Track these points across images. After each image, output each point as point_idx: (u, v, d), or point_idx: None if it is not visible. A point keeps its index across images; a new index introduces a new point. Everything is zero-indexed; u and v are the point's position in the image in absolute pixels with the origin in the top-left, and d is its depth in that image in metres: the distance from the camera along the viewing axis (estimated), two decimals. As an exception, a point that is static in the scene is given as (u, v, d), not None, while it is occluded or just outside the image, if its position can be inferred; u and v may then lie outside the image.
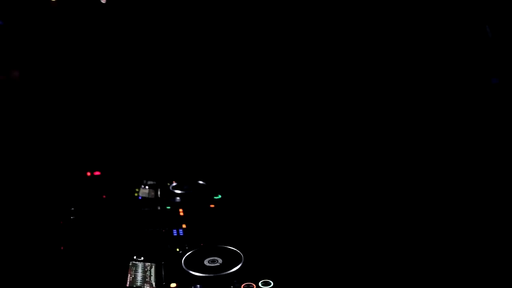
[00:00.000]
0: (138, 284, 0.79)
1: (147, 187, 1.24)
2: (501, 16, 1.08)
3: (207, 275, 0.80)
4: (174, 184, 1.25)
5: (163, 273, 0.82)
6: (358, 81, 1.37)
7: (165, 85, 1.58)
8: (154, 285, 0.79)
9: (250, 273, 0.81)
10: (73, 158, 1.43)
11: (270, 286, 0.78)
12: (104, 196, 1.17)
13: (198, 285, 0.79)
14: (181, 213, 1.09)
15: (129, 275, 0.81)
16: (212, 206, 1.14)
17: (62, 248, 0.92)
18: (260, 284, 0.78)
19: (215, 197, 1.19)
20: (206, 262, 0.84)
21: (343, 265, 0.87)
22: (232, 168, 1.42)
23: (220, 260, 0.85)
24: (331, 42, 1.41)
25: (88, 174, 1.32)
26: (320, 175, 1.31)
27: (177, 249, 0.90)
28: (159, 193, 1.21)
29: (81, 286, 0.81)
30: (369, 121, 1.34)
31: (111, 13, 1.51)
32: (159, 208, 1.12)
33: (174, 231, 0.99)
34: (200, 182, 1.26)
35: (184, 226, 1.01)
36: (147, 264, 0.85)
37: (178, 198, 1.18)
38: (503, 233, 0.93)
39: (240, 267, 0.82)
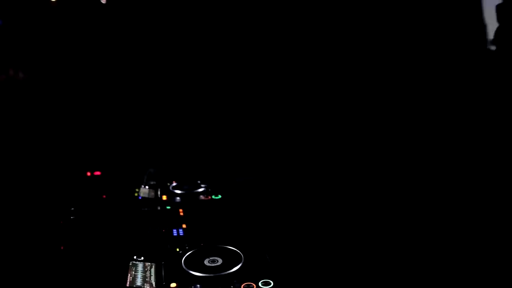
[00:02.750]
0: (138, 284, 0.79)
1: (147, 187, 1.24)
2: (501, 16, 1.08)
3: (207, 275, 0.80)
4: (174, 184, 1.25)
5: (163, 273, 0.82)
6: (356, 80, 1.37)
7: (165, 85, 1.58)
8: (154, 285, 0.79)
9: (250, 273, 0.81)
10: (73, 158, 1.43)
11: (270, 286, 0.78)
12: (104, 196, 1.17)
13: (198, 285, 0.79)
14: (181, 213, 1.09)
15: (129, 275, 0.81)
16: (211, 206, 1.14)
17: (62, 248, 0.92)
18: (260, 284, 0.78)
19: (215, 197, 1.19)
20: (206, 262, 0.84)
21: (343, 265, 0.87)
22: (232, 167, 1.42)
23: (220, 260, 0.84)
24: (330, 42, 1.41)
25: (88, 174, 1.32)
26: (320, 175, 1.31)
27: (177, 249, 0.90)
28: (159, 193, 1.21)
29: (81, 286, 0.81)
30: (366, 121, 1.34)
31: (111, 13, 1.51)
32: (159, 208, 1.12)
33: (174, 231, 0.98)
34: (200, 182, 1.26)
35: (184, 226, 1.01)
36: (147, 264, 0.85)
37: (178, 198, 1.18)
38: (503, 233, 0.93)
39: (240, 267, 0.82)
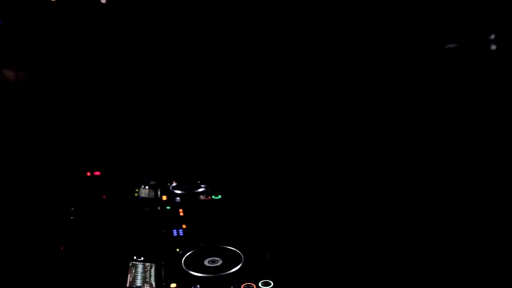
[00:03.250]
0: (138, 284, 0.79)
1: (147, 187, 1.24)
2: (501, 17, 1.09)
3: (207, 275, 0.80)
4: (174, 184, 1.25)
5: (163, 273, 0.82)
6: (358, 81, 1.37)
7: (165, 85, 1.58)
8: (154, 285, 0.79)
9: (250, 273, 0.81)
10: (73, 158, 1.43)
11: (270, 286, 0.78)
12: (104, 196, 1.17)
13: (198, 285, 0.79)
14: (181, 213, 1.09)
15: (129, 275, 0.81)
16: (211, 206, 1.14)
17: (62, 248, 0.92)
18: (260, 284, 0.78)
19: (215, 197, 1.19)
20: (206, 262, 0.84)
21: (343, 265, 0.87)
22: (232, 168, 1.42)
23: (220, 260, 0.85)
24: (330, 42, 1.41)
25: (88, 174, 1.32)
26: (320, 175, 1.31)
27: (177, 249, 0.90)
28: (159, 193, 1.21)
29: (81, 286, 0.81)
30: (369, 122, 1.34)
31: (111, 13, 1.51)
32: (159, 208, 1.12)
33: (174, 231, 0.99)
34: (200, 182, 1.26)
35: (184, 226, 1.01)
36: (147, 264, 0.85)
37: (178, 198, 1.18)
38: (503, 233, 0.93)
39: (240, 267, 0.82)
